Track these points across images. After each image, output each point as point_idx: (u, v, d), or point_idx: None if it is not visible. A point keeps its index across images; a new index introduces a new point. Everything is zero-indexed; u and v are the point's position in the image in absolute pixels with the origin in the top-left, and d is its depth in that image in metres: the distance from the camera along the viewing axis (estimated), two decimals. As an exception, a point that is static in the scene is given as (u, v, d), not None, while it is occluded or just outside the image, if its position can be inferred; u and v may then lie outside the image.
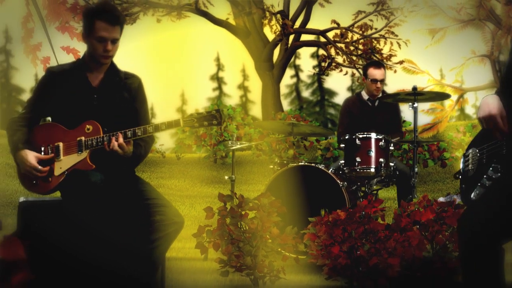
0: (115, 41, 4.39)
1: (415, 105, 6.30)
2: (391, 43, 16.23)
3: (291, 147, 13.15)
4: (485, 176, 3.16)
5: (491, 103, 3.06)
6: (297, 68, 26.14)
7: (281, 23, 16.55)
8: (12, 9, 7.70)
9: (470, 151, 3.32)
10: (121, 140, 4.24)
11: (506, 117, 3.05)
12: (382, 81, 7.37)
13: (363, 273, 4.94)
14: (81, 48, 7.14)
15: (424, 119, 14.94)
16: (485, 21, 14.40)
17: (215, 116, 4.24)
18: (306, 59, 25.25)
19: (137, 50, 17.06)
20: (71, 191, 4.22)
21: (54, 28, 7.23)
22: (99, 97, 4.40)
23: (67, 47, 7.10)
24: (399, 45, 16.07)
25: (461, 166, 3.29)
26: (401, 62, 16.00)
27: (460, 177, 3.26)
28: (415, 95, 6.30)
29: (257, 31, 16.94)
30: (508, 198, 2.96)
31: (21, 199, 4.43)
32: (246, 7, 16.35)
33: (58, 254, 4.01)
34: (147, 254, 4.13)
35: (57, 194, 4.45)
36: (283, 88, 25.76)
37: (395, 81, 20.82)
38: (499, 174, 3.11)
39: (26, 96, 26.84)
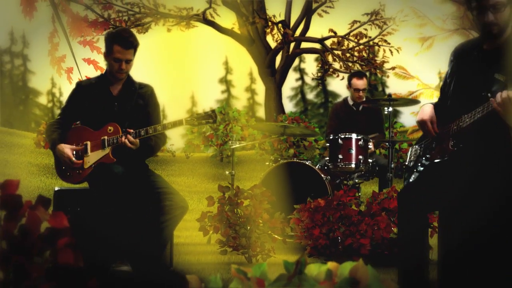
0: (128, 61, 5.06)
1: (390, 109, 6.96)
2: (384, 50, 16.66)
3: (292, 146, 13.61)
4: (419, 164, 3.88)
5: (425, 110, 3.82)
6: (302, 72, 26.38)
7: (282, 32, 16.92)
8: (36, 22, 8.12)
9: (413, 147, 4.03)
10: (132, 139, 4.92)
11: (435, 122, 3.79)
12: (364, 90, 7.95)
13: (340, 252, 5.57)
14: (100, 60, 7.62)
15: (414, 121, 15.42)
16: (469, 30, 14.88)
17: (211, 116, 4.97)
18: (310, 63, 25.49)
19: (150, 57, 17.38)
20: (97, 180, 4.95)
21: (77, 42, 7.52)
22: (119, 104, 5.10)
23: (88, 59, 7.46)
24: (391, 52, 16.51)
25: (407, 160, 4.01)
26: (393, 68, 16.44)
27: (405, 168, 3.96)
28: (390, 101, 6.96)
29: (260, 39, 17.30)
30: (432, 180, 3.71)
31: (56, 188, 5.14)
32: (250, 17, 16.69)
33: (86, 230, 4.70)
34: (158, 232, 4.80)
35: (84, 185, 5.15)
36: (289, 91, 26.01)
37: (389, 85, 21.16)
38: (428, 162, 3.84)
39: (42, 99, 26.99)
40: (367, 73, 16.75)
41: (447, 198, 3.66)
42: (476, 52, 3.74)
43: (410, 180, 3.87)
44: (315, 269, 2.70)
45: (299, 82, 26.89)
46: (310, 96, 27.60)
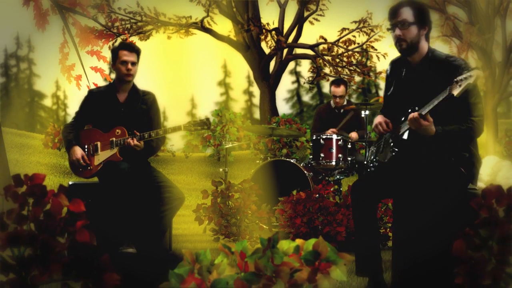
0: (134, 64, 5.59)
1: (366, 112, 7.48)
2: (371, 56, 17.09)
3: (284, 146, 14.04)
4: (371, 164, 4.43)
5: (379, 116, 4.35)
6: (298, 75, 26.63)
7: (276, 39, 17.29)
8: (48, 35, 8.52)
9: (370, 148, 4.57)
10: (136, 142, 5.44)
11: (388, 122, 4.31)
12: (341, 96, 8.39)
13: (319, 239, 6.05)
14: (106, 68, 8.08)
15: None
16: (451, 37, 15.28)
17: (206, 123, 5.49)
18: (306, 67, 25.70)
19: (151, 62, 17.66)
20: (106, 176, 5.47)
21: (85, 52, 7.98)
22: (125, 110, 5.62)
23: (95, 67, 7.87)
24: (378, 58, 16.93)
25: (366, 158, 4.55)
26: (379, 73, 16.87)
27: (363, 166, 4.51)
28: (366, 105, 7.49)
29: (255, 46, 17.63)
30: (378, 176, 4.25)
31: (70, 182, 5.66)
32: (245, 25, 17.06)
33: (96, 219, 5.18)
34: (159, 220, 5.31)
35: (95, 179, 5.68)
36: (285, 93, 26.28)
37: (382, 87, 21.56)
38: (377, 163, 4.38)
39: (47, 101, 27.17)
40: (359, 77, 17.25)
41: (392, 191, 4.21)
42: (404, 69, 4.28)
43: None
44: (285, 244, 3.23)
45: (295, 85, 27.17)
46: (306, 98, 27.84)
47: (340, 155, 7.61)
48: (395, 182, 4.19)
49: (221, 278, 2.95)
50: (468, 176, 4.14)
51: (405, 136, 4.19)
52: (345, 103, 8.54)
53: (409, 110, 4.11)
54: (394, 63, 4.42)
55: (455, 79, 3.87)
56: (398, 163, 4.24)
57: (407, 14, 4.13)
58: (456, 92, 3.86)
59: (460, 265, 3.12)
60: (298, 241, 3.22)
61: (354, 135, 7.99)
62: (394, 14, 4.18)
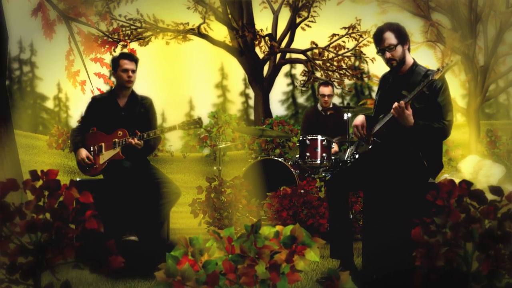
0: (133, 71, 5.97)
1: (349, 115, 7.88)
2: (360, 61, 17.41)
3: (277, 147, 14.32)
4: (351, 158, 4.86)
5: (358, 118, 4.80)
6: (293, 77, 26.83)
7: (269, 44, 17.49)
8: (56, 43, 8.86)
9: (350, 147, 5.00)
10: (136, 141, 5.83)
11: (365, 126, 4.74)
12: (329, 96, 8.76)
13: (303, 230, 6.42)
14: (108, 74, 8.45)
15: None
16: (435, 42, 15.60)
17: (198, 122, 5.87)
18: (301, 70, 25.90)
19: (151, 67, 17.86)
20: (110, 173, 5.86)
21: (89, 59, 8.32)
22: (125, 113, 6.00)
23: (98, 73, 8.20)
24: (367, 62, 17.16)
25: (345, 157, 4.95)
26: (368, 77, 17.20)
27: (342, 163, 4.91)
28: (348, 108, 7.89)
29: (250, 51, 17.77)
30: (352, 169, 4.68)
31: (78, 179, 6.05)
32: (240, 31, 17.23)
33: (101, 212, 5.52)
34: (157, 212, 5.66)
35: (99, 177, 6.06)
36: (281, 95, 26.47)
37: (375, 90, 21.71)
38: (355, 157, 4.83)
39: (49, 103, 27.22)
40: (350, 80, 17.54)
41: (365, 181, 4.63)
42: (391, 78, 4.76)
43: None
44: (266, 230, 3.60)
45: (290, 87, 27.35)
46: (301, 100, 28.02)
47: (324, 154, 7.92)
48: (364, 176, 4.63)
49: (211, 259, 3.25)
50: (430, 170, 4.59)
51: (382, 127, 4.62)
52: (331, 105, 8.90)
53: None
54: (384, 76, 4.90)
55: (438, 68, 4.36)
56: (368, 158, 4.68)
57: (391, 38, 4.63)
58: (437, 76, 4.34)
59: (418, 249, 3.42)
60: (278, 227, 3.55)
61: (335, 148, 8.35)
62: (379, 40, 4.66)
